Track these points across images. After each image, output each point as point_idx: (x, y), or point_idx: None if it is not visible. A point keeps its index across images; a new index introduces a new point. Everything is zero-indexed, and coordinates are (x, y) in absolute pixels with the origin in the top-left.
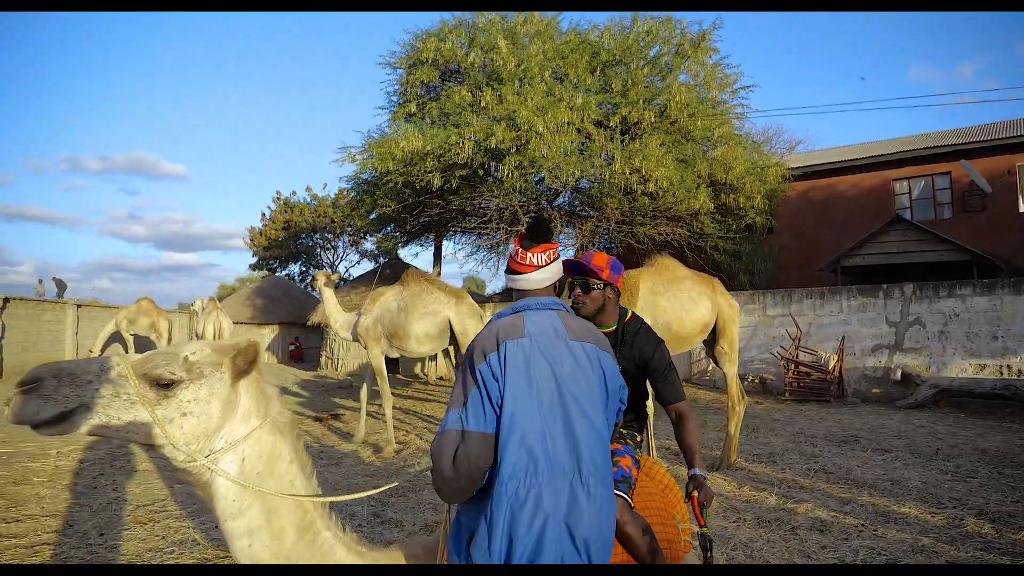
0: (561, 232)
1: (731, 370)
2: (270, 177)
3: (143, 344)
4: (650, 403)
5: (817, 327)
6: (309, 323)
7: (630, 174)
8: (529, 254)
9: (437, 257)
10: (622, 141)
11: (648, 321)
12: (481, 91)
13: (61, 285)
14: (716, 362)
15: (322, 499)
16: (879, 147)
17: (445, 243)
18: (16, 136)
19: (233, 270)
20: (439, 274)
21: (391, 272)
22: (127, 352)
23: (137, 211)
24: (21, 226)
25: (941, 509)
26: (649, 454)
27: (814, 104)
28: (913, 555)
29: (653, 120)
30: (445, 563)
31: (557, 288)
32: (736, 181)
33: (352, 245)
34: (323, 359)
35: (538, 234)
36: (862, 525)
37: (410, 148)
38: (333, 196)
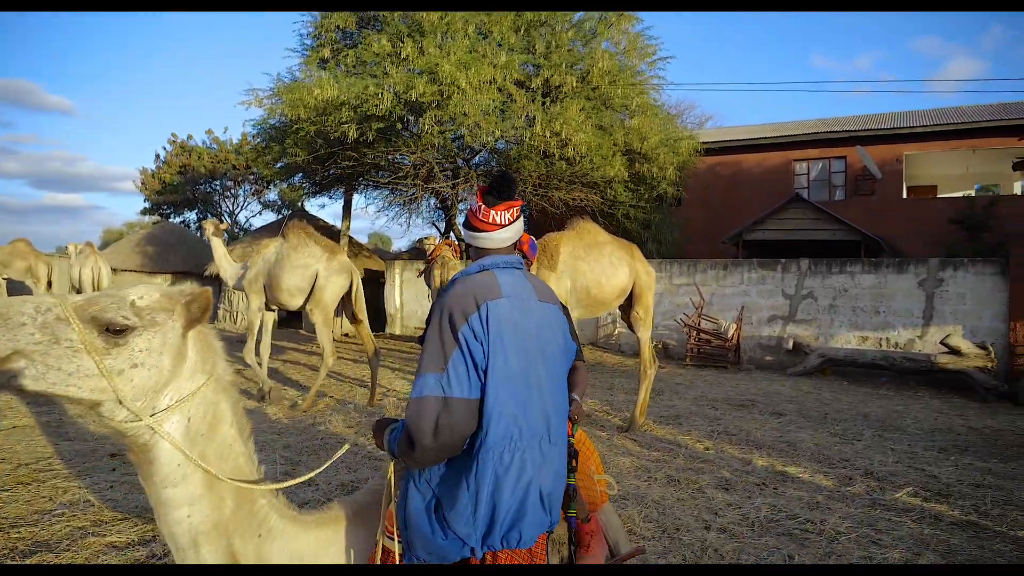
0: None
1: (645, 335)
2: (168, 117)
3: (16, 289)
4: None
5: (719, 297)
6: (206, 273)
7: (550, 137)
8: (493, 212)
9: (347, 211)
10: (543, 104)
11: (568, 284)
12: (402, 42)
13: None
14: (631, 327)
15: (278, 486)
16: (783, 128)
17: (356, 197)
18: None
19: (121, 215)
20: (348, 228)
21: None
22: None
23: (12, 145)
24: None
25: (832, 468)
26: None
27: (724, 81)
28: (810, 511)
29: (575, 85)
30: (393, 525)
31: (516, 246)
32: (650, 151)
33: (254, 194)
34: (220, 311)
35: (503, 191)
36: (763, 483)
37: (324, 96)
38: (236, 141)
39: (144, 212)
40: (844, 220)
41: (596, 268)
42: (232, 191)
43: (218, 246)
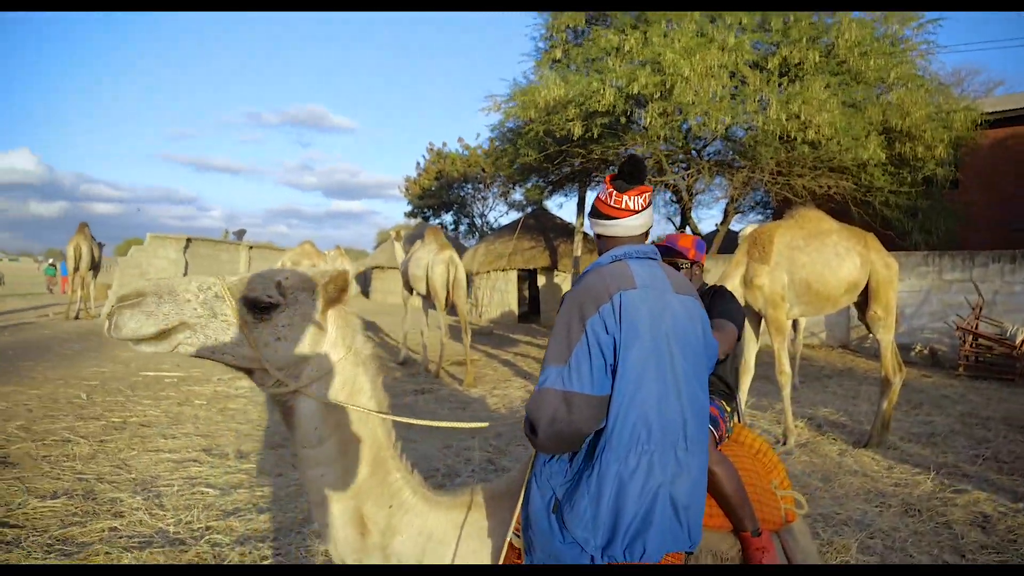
0: (710, 183)
1: (886, 337)
2: (426, 128)
3: None
4: (744, 366)
5: (1005, 296)
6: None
7: (787, 120)
8: (625, 197)
9: (580, 208)
10: (779, 85)
11: (784, 278)
12: (625, 34)
13: (240, 233)
14: (868, 328)
15: (402, 419)
16: None
17: (589, 193)
18: (204, 94)
19: (393, 217)
20: (581, 225)
21: (535, 222)
22: None
23: (309, 162)
24: (211, 176)
25: None
26: (738, 419)
27: (1016, 37)
28: None
29: (817, 61)
30: (519, 518)
31: (647, 235)
32: (914, 128)
33: (501, 196)
34: (470, 306)
35: (634, 175)
36: None
37: (551, 96)
38: (485, 147)
39: (408, 215)
40: None
41: (818, 260)
42: (482, 193)
43: (397, 248)
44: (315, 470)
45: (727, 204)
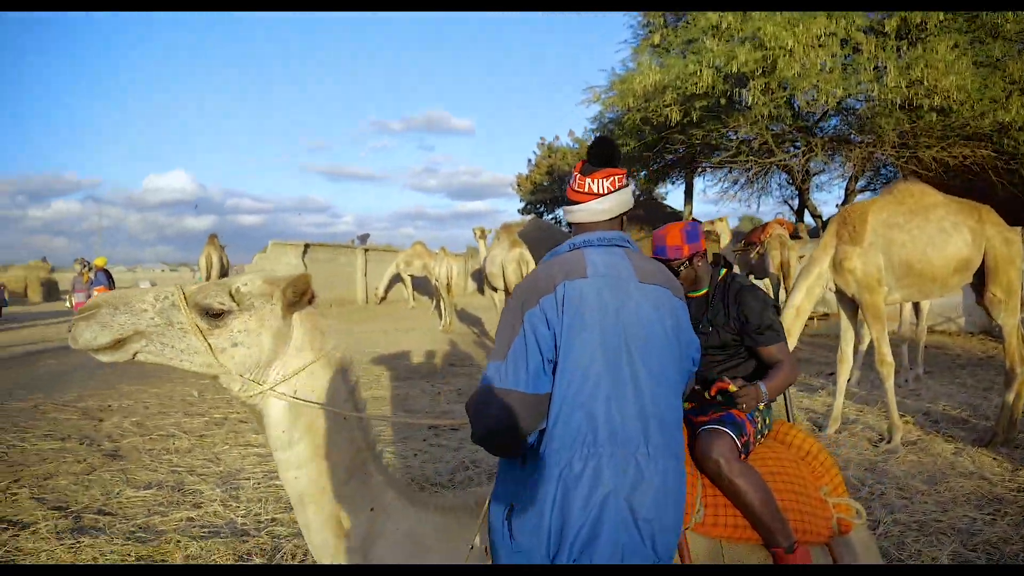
0: (827, 161)
1: (1009, 322)
2: (538, 125)
3: (418, 284)
4: (840, 356)
5: None
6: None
7: (908, 87)
8: (589, 180)
9: (688, 195)
10: (898, 49)
11: (879, 260)
12: (724, 12)
13: (364, 237)
14: (988, 312)
15: (374, 417)
16: None
17: (697, 181)
18: (335, 105)
19: (515, 215)
20: (690, 213)
21: (643, 213)
22: (408, 291)
23: (433, 165)
24: (343, 184)
25: None
26: (788, 418)
27: None
28: None
29: (942, 19)
30: (486, 525)
31: (623, 222)
32: None
33: None
34: None
35: (600, 157)
36: None
37: (647, 82)
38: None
39: (521, 211)
40: None
41: (920, 237)
42: None
43: (481, 247)
44: (289, 472)
45: (847, 183)
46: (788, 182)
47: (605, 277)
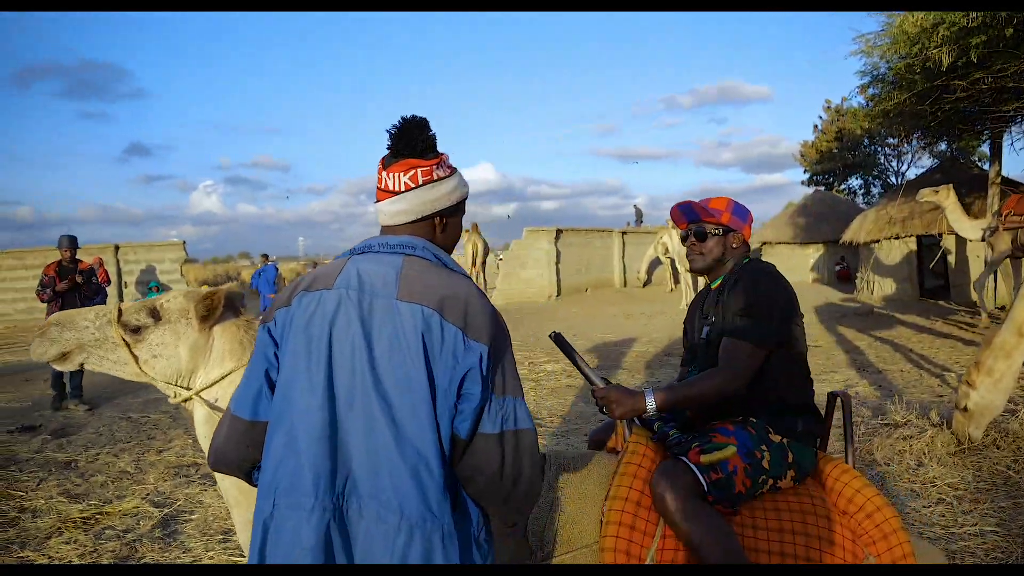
0: None
1: None
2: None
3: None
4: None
5: None
6: (841, 241)
7: None
8: (384, 175)
9: (995, 153)
10: None
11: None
12: None
13: (639, 213)
14: None
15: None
16: None
17: (1007, 136)
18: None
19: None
20: (998, 174)
21: (941, 177)
22: (667, 274)
23: (725, 138)
24: (633, 165)
25: None
26: (846, 457)
27: None
28: None
29: None
30: None
31: (442, 226)
32: None
33: (923, 148)
34: (859, 281)
35: (400, 145)
36: None
37: (917, 22)
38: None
39: (805, 183)
40: None
41: None
42: (897, 148)
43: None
44: (219, 479)
45: None
46: None
47: (355, 290)
